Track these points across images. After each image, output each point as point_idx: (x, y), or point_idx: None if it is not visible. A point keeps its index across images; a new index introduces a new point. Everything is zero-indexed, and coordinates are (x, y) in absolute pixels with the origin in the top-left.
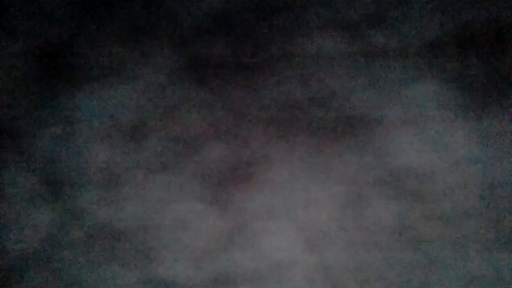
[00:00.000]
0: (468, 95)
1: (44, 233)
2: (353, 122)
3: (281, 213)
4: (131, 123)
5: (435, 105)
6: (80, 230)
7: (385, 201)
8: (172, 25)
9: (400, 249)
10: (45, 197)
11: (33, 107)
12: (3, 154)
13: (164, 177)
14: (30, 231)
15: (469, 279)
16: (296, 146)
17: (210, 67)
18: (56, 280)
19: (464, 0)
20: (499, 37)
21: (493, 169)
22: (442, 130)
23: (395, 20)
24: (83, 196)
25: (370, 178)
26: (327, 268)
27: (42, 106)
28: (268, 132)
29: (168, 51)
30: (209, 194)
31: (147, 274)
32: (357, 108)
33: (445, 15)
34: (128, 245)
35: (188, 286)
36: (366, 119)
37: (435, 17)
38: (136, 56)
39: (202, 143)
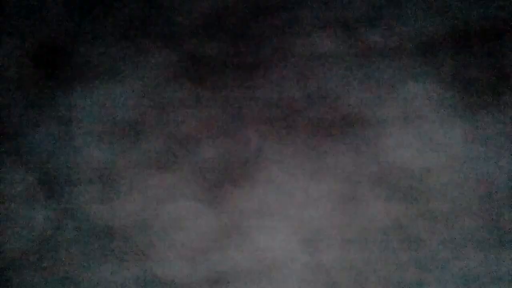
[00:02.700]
0: (464, 94)
1: (41, 231)
2: (349, 121)
3: (277, 211)
4: (127, 122)
5: (431, 104)
6: (76, 229)
7: (381, 200)
8: (169, 24)
9: (396, 248)
10: (42, 195)
11: (30, 106)
12: (0, 153)
13: (160, 176)
14: (26, 229)
15: (465, 277)
16: (292, 145)
17: (207, 67)
18: (52, 278)
19: (460, 0)
20: (495, 36)
21: (489, 168)
22: (438, 129)
23: (391, 20)
24: (79, 195)
25: (366, 177)
26: (322, 267)
27: (39, 105)
28: (264, 131)
29: (165, 51)
30: (205, 193)
31: (143, 272)
32: (353, 107)
33: (441, 15)
34: (124, 243)
35: (184, 284)
36: (362, 118)
37: (431, 16)
38: (133, 55)
39: (198, 142)
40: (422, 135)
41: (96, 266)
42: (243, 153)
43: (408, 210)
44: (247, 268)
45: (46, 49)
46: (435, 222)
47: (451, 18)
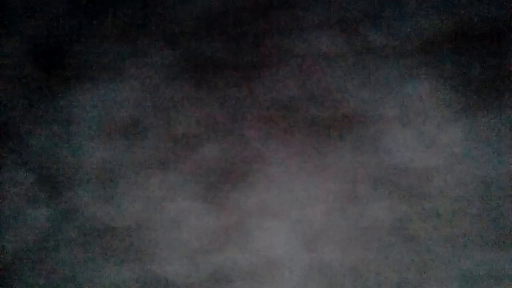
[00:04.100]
0: (465, 93)
1: (41, 231)
2: (350, 120)
3: (278, 211)
4: (128, 121)
5: (431, 103)
6: (77, 228)
7: (382, 199)
8: (170, 24)
9: (396, 247)
10: (42, 195)
11: (30, 106)
12: (0, 152)
13: (161, 176)
14: (27, 229)
15: (465, 276)
16: (292, 144)
17: (207, 66)
18: (53, 277)
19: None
20: (496, 36)
21: (489, 167)
22: (438, 128)
23: (392, 19)
24: (80, 194)
25: (367, 176)
26: (323, 266)
27: (39, 105)
28: (264, 131)
29: (166, 50)
30: (206, 192)
31: (143, 272)
32: (354, 106)
33: (442, 15)
34: (125, 243)
35: (185, 283)
36: (363, 118)
37: (432, 16)
38: (133, 55)
39: (199, 142)
40: (423, 134)
41: (97, 265)
42: (243, 153)
43: (409, 209)
44: (248, 267)
45: (47, 48)
46: (436, 221)
47: (452, 18)
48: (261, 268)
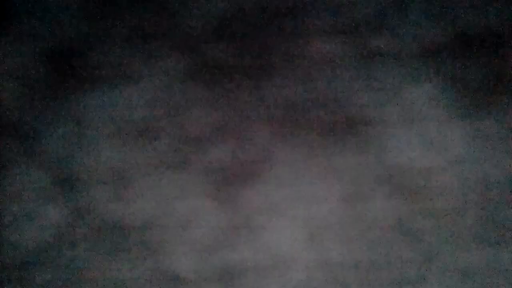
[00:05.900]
0: (465, 96)
1: (55, 229)
2: (353, 122)
3: (284, 209)
4: (139, 123)
5: (433, 106)
6: (90, 227)
7: (384, 198)
8: (180, 28)
9: (399, 245)
10: (56, 195)
11: (44, 108)
12: (15, 153)
13: (171, 175)
14: (41, 228)
15: (466, 273)
16: (298, 145)
17: (216, 69)
18: (66, 274)
19: (462, 4)
20: (496, 40)
21: (489, 167)
22: (439, 130)
23: (394, 24)
24: (93, 194)
25: (370, 176)
26: (327, 263)
27: (53, 107)
28: (271, 132)
29: (176, 54)
30: (215, 191)
31: (154, 268)
32: (357, 108)
33: (443, 20)
34: (137, 240)
35: (194, 279)
36: (366, 120)
37: (433, 21)
38: (144, 58)
39: (208, 142)
40: (425, 135)
41: (110, 263)
42: (251, 153)
43: (411, 208)
44: (255, 264)
45: (61, 51)
46: (437, 219)
47: (452, 23)
48: (268, 264)
